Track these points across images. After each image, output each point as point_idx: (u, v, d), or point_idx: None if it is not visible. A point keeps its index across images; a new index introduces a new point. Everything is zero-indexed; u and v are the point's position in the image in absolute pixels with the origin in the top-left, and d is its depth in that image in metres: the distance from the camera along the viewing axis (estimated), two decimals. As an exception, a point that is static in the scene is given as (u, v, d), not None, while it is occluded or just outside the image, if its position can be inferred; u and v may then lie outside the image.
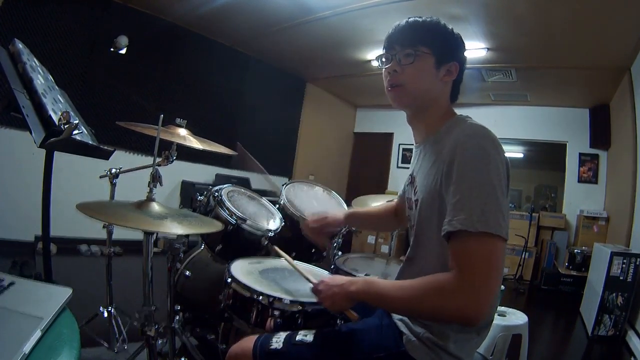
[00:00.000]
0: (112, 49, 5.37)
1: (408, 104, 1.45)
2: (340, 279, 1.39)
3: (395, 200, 1.93)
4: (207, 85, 6.66)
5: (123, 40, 5.37)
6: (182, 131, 2.35)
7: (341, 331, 1.45)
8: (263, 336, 1.42)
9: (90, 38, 5.26)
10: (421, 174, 1.41)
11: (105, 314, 2.67)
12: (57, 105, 1.80)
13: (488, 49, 5.52)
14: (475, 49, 5.53)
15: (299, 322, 1.61)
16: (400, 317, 1.40)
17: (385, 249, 7.45)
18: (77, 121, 1.63)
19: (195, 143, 2.30)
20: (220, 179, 6.74)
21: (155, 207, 1.62)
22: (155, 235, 1.78)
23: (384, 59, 1.45)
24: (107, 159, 2.27)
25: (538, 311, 5.69)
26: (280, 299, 1.62)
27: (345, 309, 1.39)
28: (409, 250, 1.51)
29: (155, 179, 1.72)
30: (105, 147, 2.20)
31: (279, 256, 1.91)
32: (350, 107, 10.24)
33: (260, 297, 1.63)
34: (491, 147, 1.18)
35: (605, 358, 4.09)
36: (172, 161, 2.20)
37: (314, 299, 1.53)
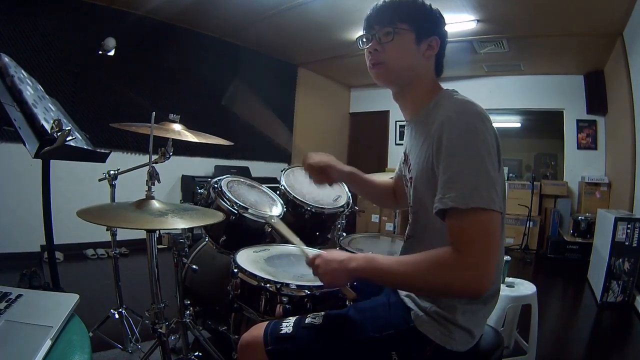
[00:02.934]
0: (100, 52, 5.33)
1: (392, 81, 1.45)
2: (339, 254, 1.37)
3: (394, 179, 1.92)
4: (199, 79, 6.61)
5: (111, 42, 5.32)
6: (177, 126, 2.33)
7: (349, 312, 1.44)
8: (273, 322, 1.43)
9: (78, 43, 5.22)
10: (413, 152, 1.42)
11: (117, 316, 2.68)
12: (48, 114, 1.79)
13: (478, 20, 5.46)
14: (465, 22, 5.48)
15: (308, 306, 1.62)
16: (407, 293, 1.41)
17: (389, 227, 7.47)
18: (69, 127, 1.62)
19: (190, 137, 2.29)
20: (220, 170, 6.70)
21: (155, 204, 1.62)
22: (157, 232, 1.77)
23: (364, 40, 1.45)
24: (104, 161, 2.27)
25: (546, 280, 5.71)
26: (287, 285, 1.63)
27: (343, 286, 1.40)
28: (408, 228, 1.52)
29: (153, 176, 1.72)
30: (101, 150, 2.20)
31: (280, 234, 1.86)
32: (344, 88, 10.21)
33: (268, 285, 1.64)
34: (479, 122, 1.17)
35: (616, 324, 4.08)
36: (169, 157, 2.19)
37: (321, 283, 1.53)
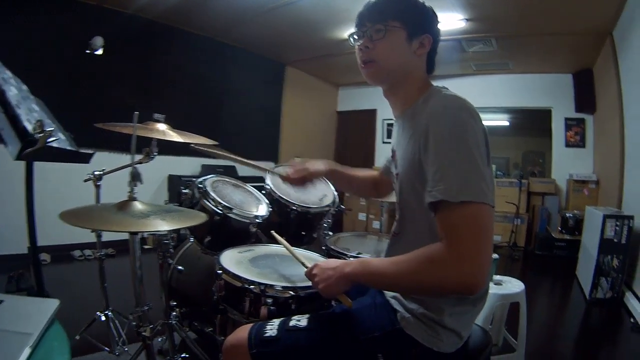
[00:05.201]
0: (88, 51, 5.25)
1: (382, 80, 1.43)
2: (334, 262, 1.37)
3: (381, 169, 1.93)
4: (187, 78, 6.61)
5: (98, 41, 5.24)
6: (162, 126, 2.30)
7: (335, 313, 1.43)
8: (258, 324, 1.40)
9: (66, 42, 5.16)
10: (400, 148, 1.40)
11: (103, 318, 2.66)
12: (31, 115, 1.77)
13: (467, 19, 5.48)
14: (454, 20, 5.49)
15: (293, 307, 1.59)
16: (393, 294, 1.39)
17: (377, 224, 7.49)
18: (51, 128, 1.59)
19: (175, 137, 2.25)
20: (207, 170, 6.65)
21: (137, 206, 1.59)
22: (140, 235, 1.75)
23: (355, 36, 1.44)
24: (88, 162, 2.24)
25: (534, 277, 5.75)
26: (271, 286, 1.60)
27: (340, 293, 1.36)
28: (394, 225, 1.50)
29: (135, 178, 1.68)
30: (85, 151, 2.16)
31: (276, 241, 1.88)
32: (332, 86, 10.21)
33: (252, 286, 1.61)
34: (468, 117, 1.16)
35: (605, 321, 4.11)
36: (154, 157, 2.16)
37: (306, 283, 1.52)
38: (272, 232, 1.96)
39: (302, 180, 1.79)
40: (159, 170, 6.33)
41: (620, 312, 4.15)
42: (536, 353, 3.05)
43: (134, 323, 1.87)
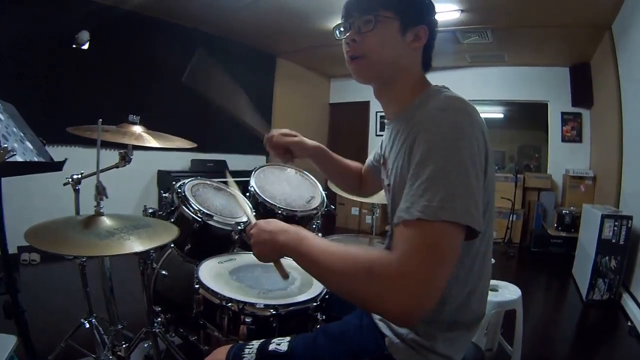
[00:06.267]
0: (74, 45, 5.11)
1: (372, 77, 1.28)
2: (274, 223, 1.20)
3: (364, 167, 1.80)
4: (172, 71, 6.38)
5: (84, 35, 5.09)
6: (137, 128, 2.15)
7: (318, 336, 1.30)
8: (236, 347, 1.28)
9: (51, 37, 5.01)
10: (392, 155, 1.24)
11: (87, 325, 2.54)
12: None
13: (462, 10, 5.36)
14: (449, 11, 5.38)
15: (274, 325, 1.48)
16: (380, 317, 1.26)
17: (369, 219, 7.37)
18: (5, 145, 1.47)
19: (152, 141, 2.11)
20: (196, 164, 6.61)
21: (105, 222, 1.47)
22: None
23: (341, 29, 1.27)
24: (60, 169, 2.11)
25: (530, 275, 5.70)
26: (251, 304, 1.48)
27: (274, 260, 1.23)
28: (386, 240, 1.36)
29: (100, 191, 1.56)
30: (55, 160, 2.04)
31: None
32: (324, 78, 10.09)
33: (230, 304, 1.49)
34: (466, 123, 1.00)
35: (602, 323, 4.04)
36: (130, 161, 2.05)
37: (288, 300, 1.41)
38: (226, 171, 1.85)
39: (282, 148, 1.68)
40: (147, 165, 6.19)
41: (617, 315, 4.08)
42: (532, 356, 2.98)
43: (121, 327, 1.79)
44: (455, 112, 1.02)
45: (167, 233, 1.56)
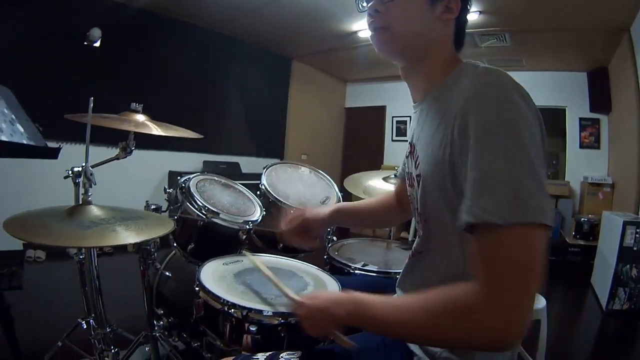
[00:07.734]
0: (85, 43, 5.00)
1: (398, 51, 1.13)
2: (323, 300, 1.05)
3: (395, 183, 1.62)
4: (187, 71, 6.41)
5: (97, 32, 5.00)
6: (140, 117, 2.02)
7: (334, 352, 1.14)
8: (239, 359, 1.15)
9: (61, 34, 4.98)
10: (422, 140, 1.09)
11: (85, 325, 2.45)
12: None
13: (480, 12, 5.25)
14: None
15: (282, 335, 1.32)
16: None
17: (386, 224, 7.20)
18: None
19: (155, 130, 1.97)
20: (209, 166, 6.54)
21: (92, 211, 1.34)
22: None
23: (364, 1, 1.14)
24: (56, 157, 2.00)
25: (548, 284, 5.48)
26: (256, 311, 1.33)
27: (334, 336, 1.05)
28: (416, 241, 1.20)
29: (89, 178, 1.45)
30: (51, 145, 1.93)
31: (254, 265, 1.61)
32: (340, 82, 9.98)
33: (233, 310, 1.35)
34: (520, 98, 0.86)
35: (622, 333, 3.92)
36: (131, 152, 1.92)
37: None
38: (247, 253, 1.76)
39: (301, 234, 1.54)
40: (159, 166, 6.13)
41: (637, 325, 3.97)
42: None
43: (99, 346, 1.67)
44: (505, 86, 0.89)
45: (161, 227, 1.43)
